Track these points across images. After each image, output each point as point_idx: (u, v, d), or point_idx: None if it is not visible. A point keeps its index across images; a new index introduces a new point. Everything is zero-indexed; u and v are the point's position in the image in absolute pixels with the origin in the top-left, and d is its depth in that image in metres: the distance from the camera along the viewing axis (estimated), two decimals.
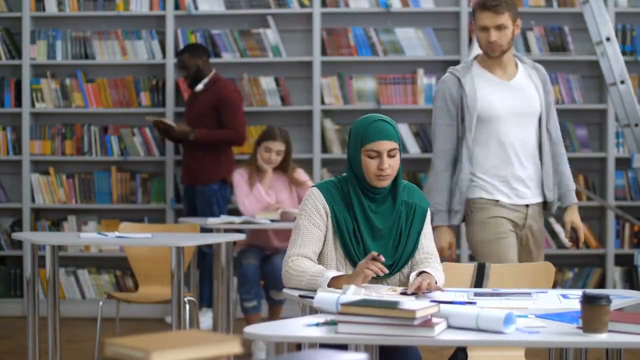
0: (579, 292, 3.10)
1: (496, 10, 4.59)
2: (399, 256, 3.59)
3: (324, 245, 3.61)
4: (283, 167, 6.32)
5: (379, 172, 3.54)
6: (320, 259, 3.62)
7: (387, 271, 3.44)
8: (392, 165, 3.55)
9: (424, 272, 3.46)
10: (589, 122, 7.55)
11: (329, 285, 3.39)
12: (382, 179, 3.56)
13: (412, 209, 3.65)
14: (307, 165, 7.51)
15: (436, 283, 3.39)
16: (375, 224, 3.59)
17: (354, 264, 3.55)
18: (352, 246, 3.56)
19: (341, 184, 3.65)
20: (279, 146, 6.27)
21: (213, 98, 7.00)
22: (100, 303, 5.26)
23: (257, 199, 6.21)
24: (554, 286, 4.37)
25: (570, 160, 7.47)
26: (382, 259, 3.38)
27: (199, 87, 7.05)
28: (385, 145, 3.54)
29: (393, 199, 3.62)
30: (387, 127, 3.56)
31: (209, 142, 6.98)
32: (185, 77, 7.09)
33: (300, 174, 6.39)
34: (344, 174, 3.68)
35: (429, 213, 3.70)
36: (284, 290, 3.54)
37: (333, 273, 3.44)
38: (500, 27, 4.61)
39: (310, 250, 3.56)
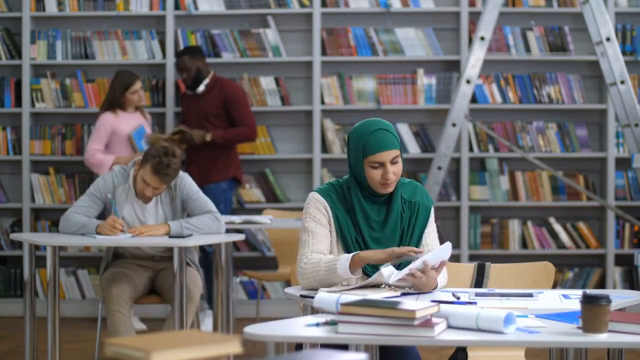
0: (579, 292, 3.10)
1: (164, 180, 4.97)
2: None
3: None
4: None
5: (383, 181, 3.54)
6: None
7: (422, 250, 3.46)
8: (395, 172, 3.56)
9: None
10: (589, 122, 7.55)
11: (350, 266, 3.39)
12: (387, 187, 3.56)
13: (416, 208, 3.65)
14: (307, 165, 7.52)
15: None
16: (377, 229, 3.59)
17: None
18: (354, 250, 3.56)
19: (341, 187, 3.64)
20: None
21: (220, 97, 7.01)
22: (100, 303, 5.26)
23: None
24: (554, 286, 4.38)
25: (571, 160, 7.52)
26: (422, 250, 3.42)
27: (200, 88, 7.04)
28: (388, 155, 3.54)
29: (393, 201, 3.62)
30: (388, 137, 3.55)
31: (226, 141, 6.99)
32: (184, 80, 7.09)
33: None
34: (344, 177, 3.68)
35: (432, 210, 3.70)
36: (286, 290, 3.53)
37: (351, 254, 3.45)
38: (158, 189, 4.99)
39: (323, 247, 3.56)
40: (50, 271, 5.00)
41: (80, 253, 7.54)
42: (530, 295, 3.40)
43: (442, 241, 3.60)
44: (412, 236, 3.62)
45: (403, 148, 7.19)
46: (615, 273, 7.41)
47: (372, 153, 3.53)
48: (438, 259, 3.39)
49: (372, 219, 3.59)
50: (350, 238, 3.57)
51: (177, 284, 4.93)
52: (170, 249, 5.18)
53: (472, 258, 7.36)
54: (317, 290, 3.42)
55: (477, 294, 3.38)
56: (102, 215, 5.29)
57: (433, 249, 3.64)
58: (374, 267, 3.52)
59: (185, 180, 5.27)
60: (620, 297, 3.40)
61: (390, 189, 3.58)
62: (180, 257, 4.92)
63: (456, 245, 7.36)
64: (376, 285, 3.45)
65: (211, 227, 5.20)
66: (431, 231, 3.68)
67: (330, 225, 3.59)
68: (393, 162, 3.54)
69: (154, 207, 5.26)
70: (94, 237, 5.05)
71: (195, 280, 5.19)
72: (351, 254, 3.44)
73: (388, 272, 3.34)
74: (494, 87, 7.46)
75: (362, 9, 7.49)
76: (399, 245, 3.59)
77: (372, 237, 3.59)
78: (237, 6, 7.52)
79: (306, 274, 3.49)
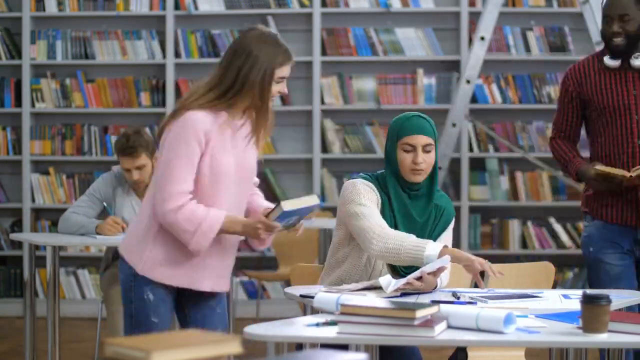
0: (579, 292, 3.10)
1: (132, 154, 5.09)
2: None
3: None
4: None
5: (413, 165, 3.57)
6: (357, 244, 3.61)
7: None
8: (426, 160, 3.59)
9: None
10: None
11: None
12: (416, 173, 3.58)
13: (441, 212, 3.69)
14: (307, 165, 7.52)
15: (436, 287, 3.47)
16: (414, 217, 3.62)
17: None
18: None
19: (377, 180, 3.66)
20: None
21: None
22: (100, 303, 5.25)
23: None
24: (554, 286, 4.37)
25: None
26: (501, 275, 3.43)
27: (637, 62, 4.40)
28: (421, 139, 3.59)
29: (429, 196, 3.65)
30: (423, 123, 3.64)
31: None
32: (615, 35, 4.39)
33: None
34: (379, 172, 3.70)
35: (453, 220, 3.74)
36: (286, 290, 3.53)
37: (440, 245, 3.45)
38: (139, 167, 5.11)
39: (380, 219, 3.54)
40: (50, 271, 5.00)
41: (80, 253, 7.54)
42: (535, 296, 3.39)
43: None
44: (431, 236, 3.64)
45: None
46: None
47: (405, 135, 3.60)
48: (436, 268, 3.40)
49: (410, 209, 3.62)
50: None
51: None
52: None
53: None
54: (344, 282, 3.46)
55: (485, 296, 3.35)
56: (102, 216, 5.29)
57: None
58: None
59: None
60: (620, 297, 3.40)
61: (420, 178, 3.60)
62: None
63: (456, 245, 7.32)
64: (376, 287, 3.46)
65: None
66: (446, 237, 3.71)
67: (378, 206, 3.60)
68: (426, 150, 3.58)
69: None
70: (94, 237, 5.04)
71: None
72: (441, 245, 3.45)
73: (386, 282, 3.33)
74: (494, 87, 7.46)
75: (362, 9, 7.49)
76: None
77: (407, 226, 3.61)
78: (237, 6, 7.52)
79: (388, 241, 3.44)
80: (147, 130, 7.45)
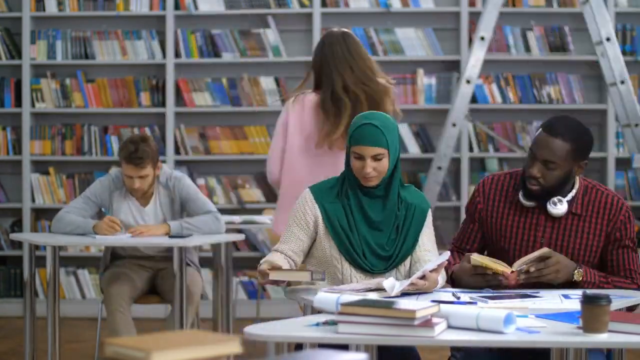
0: (579, 292, 3.10)
1: (139, 164, 5.03)
2: (397, 250, 3.61)
3: (317, 247, 3.63)
4: None
5: (364, 173, 3.59)
6: (318, 261, 3.64)
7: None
8: (376, 168, 3.59)
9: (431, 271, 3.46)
10: (589, 122, 7.50)
11: None
12: (368, 180, 3.61)
13: (412, 209, 3.67)
14: None
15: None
16: (369, 214, 3.62)
17: (351, 259, 3.57)
18: (348, 238, 3.59)
19: (338, 182, 3.69)
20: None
21: None
22: (100, 303, 5.25)
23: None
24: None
25: None
26: None
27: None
28: (369, 151, 3.58)
29: (386, 196, 3.65)
30: (373, 132, 3.57)
31: None
32: None
33: None
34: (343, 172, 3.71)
35: (429, 214, 3.72)
36: (289, 289, 3.53)
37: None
38: (142, 177, 5.07)
39: (288, 247, 3.62)
40: (50, 271, 5.00)
41: (80, 253, 7.54)
42: (535, 296, 3.39)
43: (439, 241, 3.61)
44: (407, 236, 3.64)
45: (403, 148, 7.19)
46: None
47: (354, 144, 3.60)
48: (437, 264, 3.41)
49: (365, 206, 3.63)
50: (341, 226, 3.60)
51: (177, 284, 4.93)
52: (169, 249, 5.18)
53: None
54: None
55: (485, 296, 3.35)
56: (97, 217, 5.28)
57: (430, 249, 3.68)
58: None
59: (184, 182, 5.25)
60: (620, 297, 3.40)
61: (371, 183, 3.61)
62: (180, 257, 4.92)
63: None
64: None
65: (211, 228, 5.19)
66: (428, 233, 3.70)
67: (315, 225, 3.63)
68: (377, 158, 3.58)
69: (153, 209, 5.24)
70: (93, 237, 5.04)
71: (195, 280, 5.19)
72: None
73: (390, 285, 3.33)
74: (494, 87, 7.46)
75: (362, 9, 7.49)
76: (394, 239, 3.62)
77: (365, 222, 3.62)
78: (237, 6, 7.52)
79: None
80: (148, 130, 7.48)
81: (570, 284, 3.53)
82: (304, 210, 3.64)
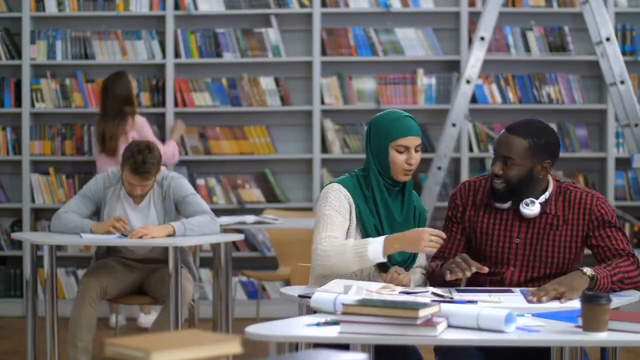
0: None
1: (145, 178, 5.03)
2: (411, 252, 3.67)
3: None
4: None
5: (407, 166, 3.62)
6: None
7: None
8: (417, 160, 3.66)
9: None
10: (589, 122, 7.55)
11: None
12: (407, 173, 3.65)
13: (419, 214, 3.75)
14: (307, 165, 7.52)
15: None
16: (395, 217, 3.66)
17: None
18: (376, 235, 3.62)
19: (358, 179, 3.70)
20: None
21: None
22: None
23: None
24: None
25: (571, 160, 7.51)
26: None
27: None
28: (414, 141, 3.64)
29: (404, 194, 3.71)
30: (414, 124, 3.67)
31: None
32: None
33: None
34: (357, 170, 3.73)
35: (427, 217, 3.84)
36: (282, 289, 3.53)
37: (381, 237, 3.49)
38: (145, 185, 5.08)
39: (338, 233, 3.59)
40: (47, 271, 5.00)
41: (79, 253, 7.54)
42: (511, 291, 3.45)
43: None
44: None
45: None
46: None
47: (399, 137, 3.62)
48: None
49: (392, 209, 3.66)
50: (369, 225, 3.62)
51: (172, 284, 4.92)
52: (163, 252, 5.17)
53: None
54: (331, 277, 3.49)
55: (459, 290, 3.42)
56: (95, 215, 5.28)
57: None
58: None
59: (178, 181, 5.23)
60: (620, 296, 3.40)
61: (409, 178, 3.67)
62: (175, 257, 4.91)
63: None
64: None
65: (211, 228, 5.18)
66: None
67: (350, 213, 3.63)
68: (416, 149, 3.64)
69: (146, 207, 5.23)
70: (92, 236, 5.04)
71: (185, 285, 5.13)
72: (382, 238, 3.49)
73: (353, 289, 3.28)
74: (494, 87, 7.46)
75: (362, 9, 7.49)
76: None
77: (390, 226, 3.65)
78: (237, 6, 7.52)
79: (330, 256, 3.51)
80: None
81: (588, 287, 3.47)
82: (341, 200, 3.62)
